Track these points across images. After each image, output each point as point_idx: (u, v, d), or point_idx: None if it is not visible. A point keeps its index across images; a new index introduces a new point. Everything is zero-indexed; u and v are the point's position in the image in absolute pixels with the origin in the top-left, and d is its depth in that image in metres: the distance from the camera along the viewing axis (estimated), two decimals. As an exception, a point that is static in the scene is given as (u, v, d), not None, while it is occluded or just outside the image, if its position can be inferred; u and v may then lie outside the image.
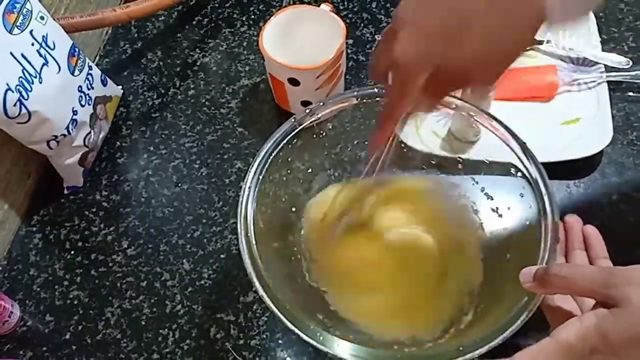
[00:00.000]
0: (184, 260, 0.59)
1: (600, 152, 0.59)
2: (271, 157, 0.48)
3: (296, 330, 0.41)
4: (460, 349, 0.39)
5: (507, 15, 0.33)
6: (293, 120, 0.49)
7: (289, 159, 0.50)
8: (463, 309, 0.49)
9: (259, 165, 0.48)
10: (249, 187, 0.47)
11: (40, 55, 0.55)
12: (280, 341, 0.54)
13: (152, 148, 0.67)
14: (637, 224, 0.57)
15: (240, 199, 0.46)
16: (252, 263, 0.43)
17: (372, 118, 0.53)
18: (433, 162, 0.55)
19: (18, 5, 0.53)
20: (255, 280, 0.42)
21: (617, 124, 0.62)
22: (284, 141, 0.49)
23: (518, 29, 0.34)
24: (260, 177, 0.47)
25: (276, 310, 0.41)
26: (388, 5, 0.75)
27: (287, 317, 0.41)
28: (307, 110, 0.50)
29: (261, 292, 0.42)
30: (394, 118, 0.42)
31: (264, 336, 0.54)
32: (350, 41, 0.72)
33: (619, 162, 0.61)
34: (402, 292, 0.51)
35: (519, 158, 0.47)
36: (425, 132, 0.56)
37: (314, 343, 0.40)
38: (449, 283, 0.51)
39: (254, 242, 0.44)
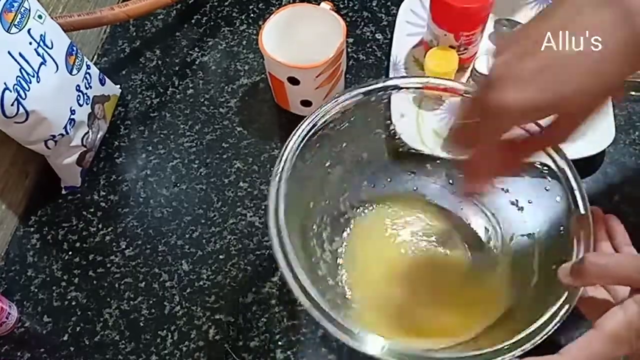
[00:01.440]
0: (183, 261, 0.59)
1: (602, 152, 0.59)
2: (291, 162, 0.46)
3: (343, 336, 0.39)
4: (506, 347, 0.38)
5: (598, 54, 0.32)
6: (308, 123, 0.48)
7: (306, 163, 0.48)
8: (490, 310, 0.49)
9: (280, 175, 0.45)
10: (277, 196, 0.44)
11: (38, 54, 0.55)
12: (279, 342, 0.54)
13: (150, 148, 0.66)
14: (639, 224, 0.57)
15: (271, 209, 0.43)
16: (289, 269, 0.41)
17: (373, 117, 0.53)
18: (434, 162, 0.55)
19: (16, 4, 0.52)
20: (293, 283, 0.41)
21: (619, 123, 0.62)
22: (302, 144, 0.47)
23: (624, 60, 0.33)
24: (285, 184, 0.45)
25: (318, 314, 0.39)
26: (389, 3, 0.75)
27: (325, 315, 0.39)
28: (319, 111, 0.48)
29: (302, 298, 0.40)
30: (483, 172, 0.40)
31: (264, 337, 0.54)
32: (351, 40, 0.71)
33: (621, 161, 0.60)
34: (428, 301, 0.51)
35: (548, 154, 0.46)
36: (427, 131, 0.55)
37: (350, 341, 0.38)
38: (474, 288, 0.51)
39: (289, 248, 0.42)
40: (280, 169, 0.46)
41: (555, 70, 0.32)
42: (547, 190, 0.46)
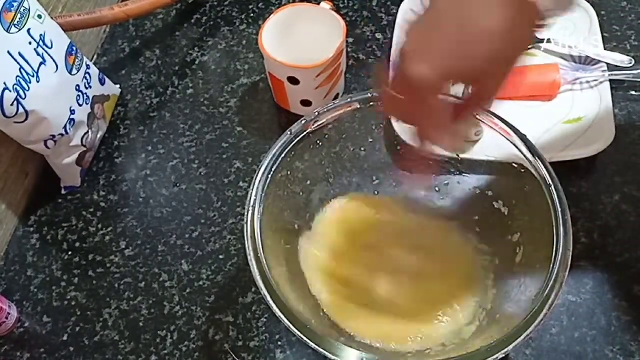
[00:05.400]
0: (183, 261, 0.59)
1: (603, 152, 0.58)
2: (271, 174, 0.47)
3: (319, 349, 0.40)
4: (488, 349, 0.39)
5: (506, 17, 0.35)
6: (289, 133, 0.49)
7: (289, 173, 0.50)
8: (476, 314, 0.49)
9: (260, 182, 0.47)
10: (253, 207, 0.45)
11: (38, 54, 0.55)
12: (279, 342, 0.54)
13: (150, 148, 0.66)
14: (639, 224, 0.57)
15: (246, 219, 0.45)
16: (265, 284, 0.42)
17: (372, 119, 0.53)
18: (431, 162, 0.55)
19: (16, 4, 0.52)
20: (270, 300, 0.42)
21: (620, 123, 0.61)
22: (283, 155, 0.48)
23: (516, 28, 0.36)
24: (263, 194, 0.46)
25: (296, 331, 0.41)
26: (388, 3, 0.75)
27: (308, 337, 0.40)
28: (303, 122, 0.49)
29: (278, 313, 0.41)
30: (429, 142, 0.41)
31: (263, 337, 0.54)
32: (351, 40, 0.71)
33: (621, 161, 0.60)
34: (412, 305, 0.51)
35: (523, 154, 0.46)
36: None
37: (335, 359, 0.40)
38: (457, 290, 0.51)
39: (264, 261, 0.43)
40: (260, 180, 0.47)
41: (456, 40, 0.36)
42: (526, 191, 0.47)
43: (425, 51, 0.36)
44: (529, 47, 0.39)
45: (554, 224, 0.43)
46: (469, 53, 0.36)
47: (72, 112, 0.59)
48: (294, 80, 0.61)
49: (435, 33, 0.36)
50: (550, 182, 0.45)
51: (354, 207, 0.55)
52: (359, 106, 0.50)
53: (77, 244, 0.61)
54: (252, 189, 0.46)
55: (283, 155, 0.48)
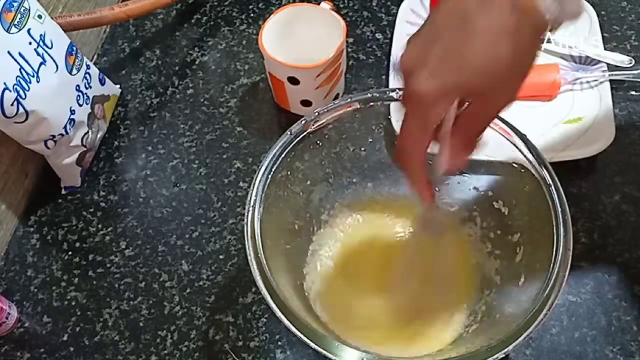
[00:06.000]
0: (183, 261, 0.59)
1: (603, 152, 0.58)
2: (271, 174, 0.47)
3: (319, 349, 0.40)
4: (488, 349, 0.39)
5: (505, 28, 0.34)
6: (289, 133, 0.49)
7: (289, 173, 0.50)
8: (475, 310, 0.49)
9: (260, 182, 0.47)
10: (253, 207, 0.45)
11: (38, 54, 0.55)
12: (279, 342, 0.54)
13: (150, 148, 0.66)
14: (639, 224, 0.57)
15: (246, 219, 0.45)
16: (265, 284, 0.42)
17: (372, 119, 0.53)
18: (430, 162, 0.55)
19: (16, 4, 0.52)
20: (270, 300, 0.42)
21: (620, 123, 0.62)
22: (283, 155, 0.48)
23: (520, 37, 0.34)
24: (263, 194, 0.46)
25: (296, 331, 0.41)
26: (389, 3, 0.75)
27: (308, 337, 0.40)
28: (303, 122, 0.49)
29: (279, 313, 0.41)
30: (418, 162, 0.41)
31: (264, 337, 0.54)
32: (351, 40, 0.71)
33: (621, 161, 0.60)
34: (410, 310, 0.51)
35: (523, 154, 0.46)
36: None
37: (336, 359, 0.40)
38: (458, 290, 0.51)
39: (264, 261, 0.43)
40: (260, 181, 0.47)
41: (457, 53, 0.34)
42: (526, 190, 0.47)
43: (423, 65, 0.35)
44: (534, 62, 0.37)
45: (554, 224, 0.43)
46: (465, 68, 0.34)
47: (72, 112, 0.59)
48: (294, 80, 0.61)
49: (434, 46, 0.35)
50: (550, 182, 0.45)
51: (368, 222, 0.55)
52: (359, 106, 0.50)
53: (77, 244, 0.61)
54: (252, 189, 0.46)
55: (283, 155, 0.48)
